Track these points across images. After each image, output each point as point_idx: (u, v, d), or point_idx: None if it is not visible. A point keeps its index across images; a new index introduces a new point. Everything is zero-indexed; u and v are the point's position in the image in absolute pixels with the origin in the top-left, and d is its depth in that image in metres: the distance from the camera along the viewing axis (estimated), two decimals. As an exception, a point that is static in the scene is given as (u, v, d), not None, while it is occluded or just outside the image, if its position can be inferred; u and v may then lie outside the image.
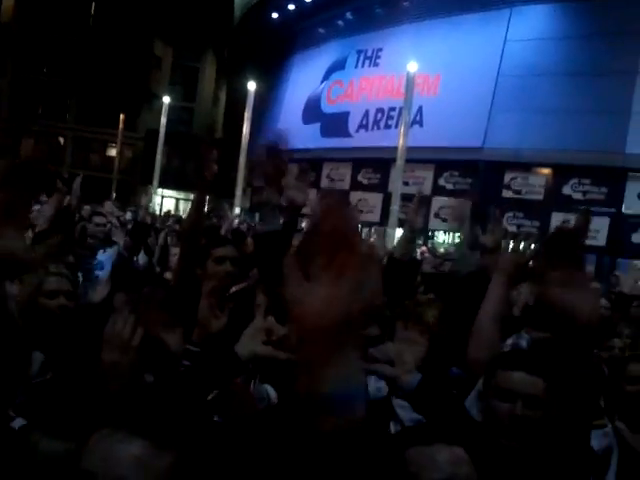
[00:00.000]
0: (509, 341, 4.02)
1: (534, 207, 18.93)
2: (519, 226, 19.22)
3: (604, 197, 17.67)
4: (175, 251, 5.71)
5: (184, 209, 34.70)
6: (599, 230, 17.60)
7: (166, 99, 28.16)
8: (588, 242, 17.44)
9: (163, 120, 28.07)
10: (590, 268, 16.63)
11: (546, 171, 18.85)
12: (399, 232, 20.20)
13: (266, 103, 29.73)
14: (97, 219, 6.83)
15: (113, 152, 35.33)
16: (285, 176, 2.77)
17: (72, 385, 2.23)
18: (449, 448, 1.54)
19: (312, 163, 26.08)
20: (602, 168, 17.17)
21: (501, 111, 19.11)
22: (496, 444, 1.92)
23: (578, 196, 18.10)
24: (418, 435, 1.55)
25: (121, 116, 32.36)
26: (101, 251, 5.33)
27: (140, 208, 12.46)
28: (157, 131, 28.32)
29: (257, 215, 29.41)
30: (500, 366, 2.01)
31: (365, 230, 24.89)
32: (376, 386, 2.59)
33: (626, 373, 2.93)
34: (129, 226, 8.80)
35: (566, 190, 18.29)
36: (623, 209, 17.37)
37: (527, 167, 19.01)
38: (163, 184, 29.91)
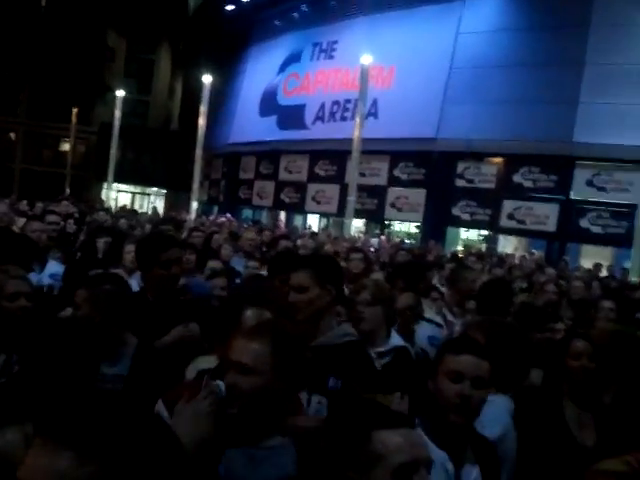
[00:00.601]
0: (456, 328, 4.26)
1: (486, 195, 19.38)
2: (472, 214, 19.70)
3: (553, 184, 18.18)
4: (129, 249, 5.69)
5: (140, 203, 34.41)
6: (549, 216, 18.17)
7: (120, 92, 27.78)
8: (539, 228, 18.08)
9: (117, 113, 27.68)
10: (541, 253, 17.23)
11: (497, 160, 19.29)
12: (356, 222, 20.50)
13: (222, 95, 29.63)
14: (50, 217, 6.79)
15: (66, 147, 34.69)
16: None
17: (34, 384, 2.34)
18: (412, 432, 1.60)
19: (269, 155, 26.23)
20: (551, 157, 17.65)
21: (454, 102, 19.49)
22: (445, 421, 2.12)
23: (528, 184, 18.59)
24: (383, 419, 1.62)
25: (74, 110, 31.79)
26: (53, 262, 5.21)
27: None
28: (111, 125, 27.95)
29: (215, 208, 29.41)
30: (449, 350, 2.21)
31: (323, 221, 25.15)
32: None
33: (569, 350, 3.18)
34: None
35: (517, 178, 18.75)
36: (571, 195, 17.92)
37: (479, 157, 19.42)
38: (118, 179, 29.52)
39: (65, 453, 1.04)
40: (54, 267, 4.99)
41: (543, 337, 3.74)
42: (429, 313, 4.39)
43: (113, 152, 27.54)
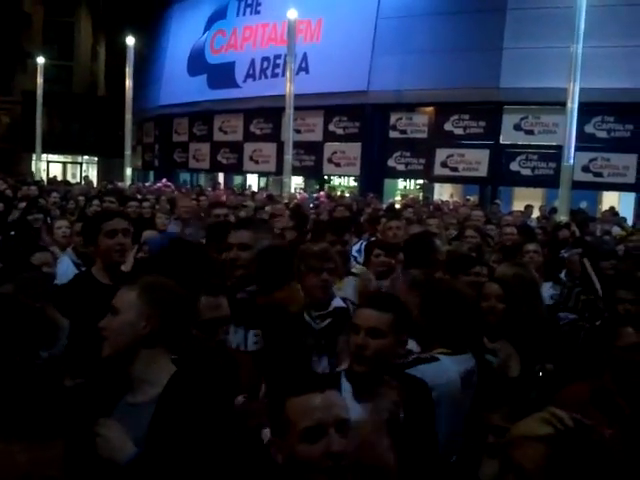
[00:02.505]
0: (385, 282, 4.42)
1: (419, 145, 19.65)
2: (407, 164, 19.98)
3: (483, 130, 18.54)
4: (60, 224, 5.61)
5: (72, 173, 33.42)
6: (480, 162, 18.59)
7: (40, 59, 26.61)
8: (471, 174, 18.50)
9: (40, 81, 26.58)
10: (474, 197, 17.71)
11: (428, 110, 19.51)
12: (295, 180, 20.52)
13: (148, 56, 28.79)
14: None
15: (-12, 119, 33.20)
16: None
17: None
18: (325, 395, 1.70)
19: (202, 116, 25.76)
20: (480, 103, 17.99)
21: (383, 53, 19.48)
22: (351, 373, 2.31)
23: (459, 131, 18.90)
24: (299, 385, 1.73)
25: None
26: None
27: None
28: (34, 93, 26.84)
29: (151, 174, 28.85)
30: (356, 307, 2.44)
31: (263, 180, 25.04)
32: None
33: (482, 292, 3.40)
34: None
35: (448, 126, 19.06)
36: (501, 140, 18.36)
37: (410, 107, 19.58)
38: (47, 149, 28.54)
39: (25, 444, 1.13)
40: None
41: (469, 280, 3.91)
42: (357, 268, 4.55)
43: (39, 122, 26.56)
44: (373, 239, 6.14)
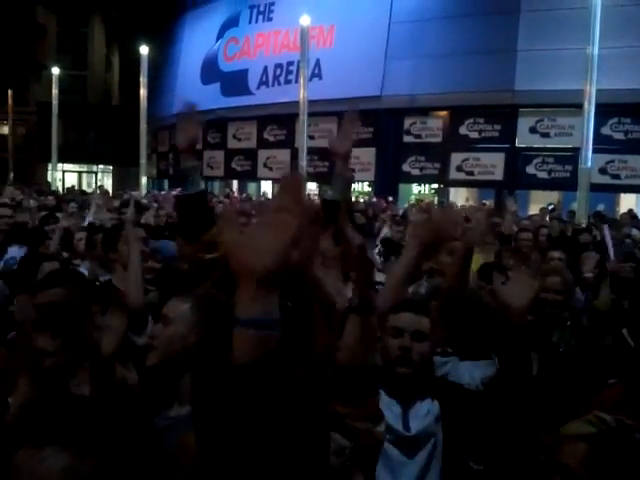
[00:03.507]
0: (410, 289, 4.38)
1: (434, 149, 19.59)
2: (421, 169, 19.92)
3: (498, 134, 18.47)
4: (80, 236, 5.59)
5: (87, 182, 33.68)
6: (496, 165, 18.51)
7: (55, 69, 26.89)
8: (487, 178, 18.40)
9: (55, 91, 26.85)
10: (490, 202, 17.59)
11: (442, 114, 19.47)
12: (309, 186, 20.52)
13: (162, 65, 28.97)
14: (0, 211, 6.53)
15: (4, 130, 33.52)
16: (197, 141, 2.88)
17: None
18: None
19: (216, 124, 25.87)
20: (494, 106, 17.91)
21: (395, 58, 19.47)
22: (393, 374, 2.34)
23: (474, 135, 18.84)
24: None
25: (9, 91, 30.64)
26: (15, 247, 5.18)
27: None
28: (49, 103, 27.10)
29: (165, 182, 28.95)
30: (389, 312, 2.40)
31: (277, 187, 25.05)
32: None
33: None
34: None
35: (462, 130, 18.99)
36: (516, 143, 18.26)
37: (424, 111, 19.55)
38: (62, 159, 28.80)
39: (64, 454, 1.11)
40: (14, 252, 4.99)
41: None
42: (377, 275, 4.50)
43: (54, 131, 26.80)
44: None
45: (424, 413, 2.34)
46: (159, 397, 2.05)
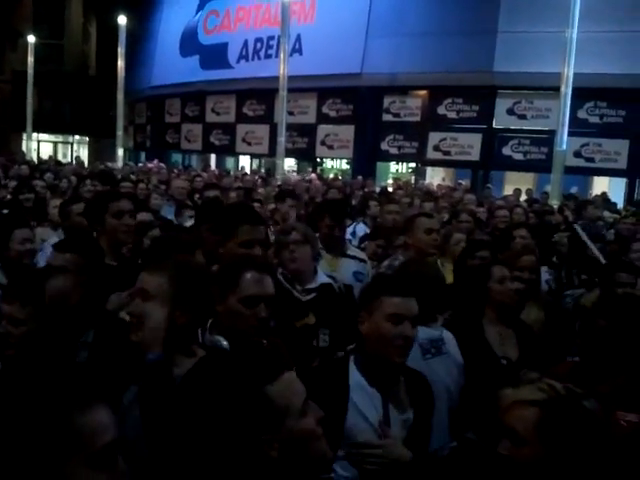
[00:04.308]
0: (385, 262, 4.46)
1: (412, 129, 19.63)
2: (400, 148, 19.98)
3: (476, 115, 18.56)
4: (55, 203, 5.57)
5: (63, 153, 33.20)
6: (473, 146, 18.63)
7: (31, 38, 26.35)
8: (464, 158, 18.55)
9: (30, 60, 26.35)
10: (466, 182, 17.76)
11: (422, 93, 19.48)
12: (287, 162, 20.48)
13: (140, 36, 28.48)
14: None
15: (-22, 98, 32.84)
16: None
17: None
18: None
19: (195, 97, 25.60)
20: (473, 87, 17.93)
21: (376, 36, 19.37)
22: (383, 361, 2.22)
23: (452, 115, 18.91)
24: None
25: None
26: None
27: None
28: (25, 72, 26.57)
29: (142, 154, 28.71)
30: (386, 292, 2.26)
31: (255, 162, 24.97)
32: None
33: (492, 275, 3.44)
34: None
35: (441, 110, 19.05)
36: (494, 124, 18.38)
37: (404, 90, 19.53)
38: (38, 129, 28.33)
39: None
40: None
41: (473, 264, 3.94)
42: (352, 250, 4.58)
43: (30, 101, 26.34)
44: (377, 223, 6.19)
45: (404, 417, 2.24)
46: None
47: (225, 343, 2.20)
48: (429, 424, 2.33)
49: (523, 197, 13.48)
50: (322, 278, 3.47)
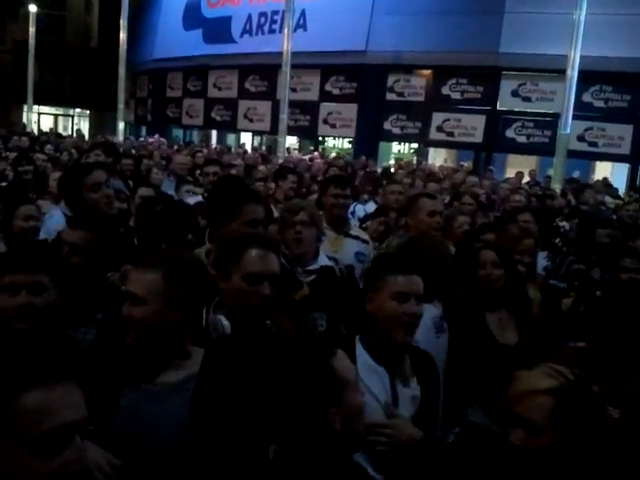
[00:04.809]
0: (385, 243, 4.43)
1: (416, 108, 19.49)
2: (402, 127, 19.86)
3: (480, 96, 18.41)
4: (55, 176, 5.52)
5: (64, 125, 32.99)
6: (476, 127, 18.52)
7: (32, 7, 26.03)
8: (467, 139, 18.43)
9: (32, 30, 26.06)
10: (469, 163, 17.68)
11: (426, 73, 19.30)
12: (289, 140, 20.36)
13: (143, 9, 28.18)
14: None
15: (-22, 68, 32.55)
16: None
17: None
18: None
19: (197, 71, 25.38)
20: (478, 67, 17.76)
21: (382, 14, 19.16)
22: (388, 340, 2.21)
23: (456, 96, 18.76)
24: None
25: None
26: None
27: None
28: (26, 43, 26.30)
29: (143, 129, 28.54)
30: (391, 271, 2.25)
31: (257, 139, 24.83)
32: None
33: (479, 260, 3.43)
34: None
35: (445, 90, 18.90)
36: (498, 106, 18.25)
37: (408, 69, 19.37)
38: (38, 100, 28.11)
39: None
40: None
41: (477, 247, 3.92)
42: (355, 230, 4.54)
43: (31, 72, 26.12)
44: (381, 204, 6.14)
45: (412, 394, 2.25)
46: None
47: (226, 323, 2.18)
48: (437, 401, 2.34)
49: (526, 179, 13.42)
50: (323, 260, 3.44)
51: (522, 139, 17.93)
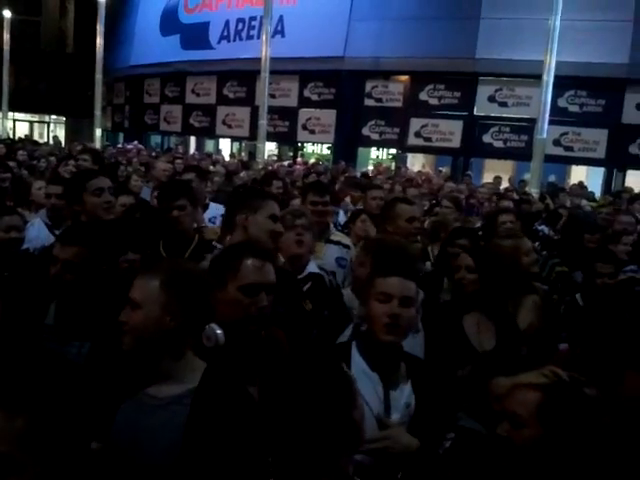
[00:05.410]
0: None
1: (394, 114, 19.59)
2: (381, 133, 19.94)
3: (457, 101, 18.56)
4: (39, 185, 5.44)
5: (39, 132, 32.66)
6: (454, 133, 18.66)
7: (7, 13, 25.76)
8: (444, 145, 18.56)
9: (6, 36, 25.79)
10: (447, 169, 17.81)
11: (404, 78, 19.41)
12: (269, 146, 20.34)
13: (119, 14, 28.00)
14: None
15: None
16: None
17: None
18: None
19: (175, 77, 25.27)
20: (455, 73, 17.90)
21: (360, 19, 19.23)
22: (377, 342, 2.23)
23: (434, 101, 18.91)
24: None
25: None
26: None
27: None
28: (1, 49, 26.00)
29: (120, 135, 28.32)
30: (377, 274, 2.29)
31: (235, 145, 24.78)
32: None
33: (456, 263, 3.45)
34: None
35: (422, 96, 19.02)
36: (475, 111, 18.41)
37: (386, 75, 19.46)
38: (13, 107, 27.79)
39: None
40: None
41: (454, 251, 3.94)
42: (337, 235, 4.53)
43: (5, 78, 25.83)
44: (359, 207, 6.14)
45: (405, 401, 2.24)
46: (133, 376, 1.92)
47: (219, 332, 2.15)
48: (434, 408, 2.32)
49: (504, 185, 13.55)
50: (312, 267, 3.44)
51: (499, 144, 18.10)
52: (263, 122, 17.46)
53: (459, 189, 9.37)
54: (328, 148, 21.80)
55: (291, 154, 21.71)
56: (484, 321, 3.26)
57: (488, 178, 14.86)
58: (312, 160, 18.78)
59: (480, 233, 4.98)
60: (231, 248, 2.45)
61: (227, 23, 23.31)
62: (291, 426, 1.33)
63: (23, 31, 30.74)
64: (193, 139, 25.99)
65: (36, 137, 28.48)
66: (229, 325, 2.17)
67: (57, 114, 33.67)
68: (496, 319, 3.29)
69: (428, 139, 19.00)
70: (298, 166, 14.20)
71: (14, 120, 31.20)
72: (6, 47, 25.66)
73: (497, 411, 1.76)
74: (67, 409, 1.20)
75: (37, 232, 4.43)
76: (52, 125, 33.97)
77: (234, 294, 2.22)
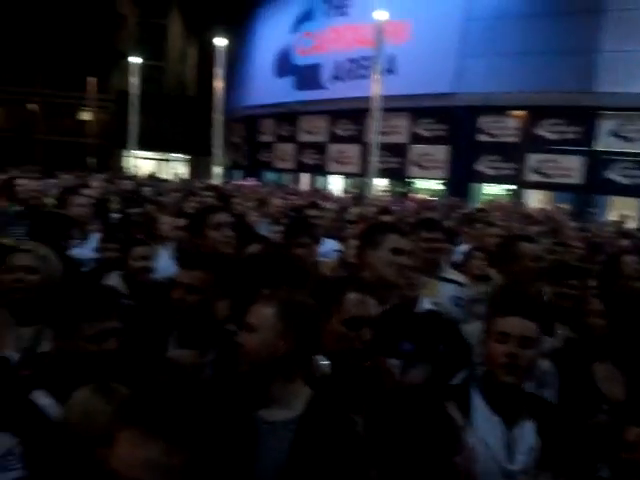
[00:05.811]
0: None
1: (510, 149, 19.13)
2: (496, 169, 19.48)
3: (577, 136, 17.87)
4: (166, 219, 5.62)
5: (164, 170, 34.58)
6: (574, 169, 17.93)
7: (135, 59, 27.67)
8: (565, 181, 17.91)
9: (133, 80, 27.66)
10: (566, 205, 17.05)
11: (519, 113, 18.96)
12: (378, 182, 20.40)
13: (236, 58, 29.37)
14: (85, 191, 6.59)
15: (85, 116, 34.82)
16: None
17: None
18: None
19: (288, 117, 26.08)
20: (574, 107, 17.30)
21: (471, 56, 19.12)
22: (496, 383, 2.16)
23: (552, 136, 18.30)
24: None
25: (91, 79, 31.75)
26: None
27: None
28: (126, 92, 27.92)
29: (236, 172, 29.41)
30: (496, 313, 2.21)
31: (347, 181, 25.06)
32: None
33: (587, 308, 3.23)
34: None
35: (540, 131, 18.47)
36: (596, 146, 17.62)
37: (499, 110, 19.13)
38: (139, 146, 29.65)
39: (156, 443, 1.10)
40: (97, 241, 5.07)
41: (570, 293, 3.70)
42: (451, 273, 4.35)
43: (132, 119, 27.60)
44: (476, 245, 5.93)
45: (529, 445, 2.14)
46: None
47: (326, 363, 2.22)
48: (563, 455, 2.19)
49: (631, 224, 12.74)
50: (425, 304, 3.33)
51: (623, 180, 17.17)
52: (374, 158, 17.56)
53: (584, 227, 8.90)
54: (440, 184, 21.54)
55: (404, 190, 21.65)
56: (614, 370, 3.06)
57: (613, 216, 14.07)
58: (421, 196, 18.63)
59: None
60: (333, 281, 2.50)
61: (338, 63, 23.85)
62: (392, 462, 1.33)
63: (148, 75, 32.91)
64: (306, 175, 26.55)
65: (160, 174, 30.12)
66: (335, 355, 2.23)
67: (179, 152, 35.60)
68: (627, 368, 3.06)
69: (547, 175, 18.35)
70: (408, 202, 14.07)
71: (138, 158, 33.27)
72: (133, 90, 27.47)
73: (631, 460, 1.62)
74: (219, 446, 1.20)
75: (164, 264, 4.60)
76: (174, 163, 35.91)
77: (338, 327, 2.27)
